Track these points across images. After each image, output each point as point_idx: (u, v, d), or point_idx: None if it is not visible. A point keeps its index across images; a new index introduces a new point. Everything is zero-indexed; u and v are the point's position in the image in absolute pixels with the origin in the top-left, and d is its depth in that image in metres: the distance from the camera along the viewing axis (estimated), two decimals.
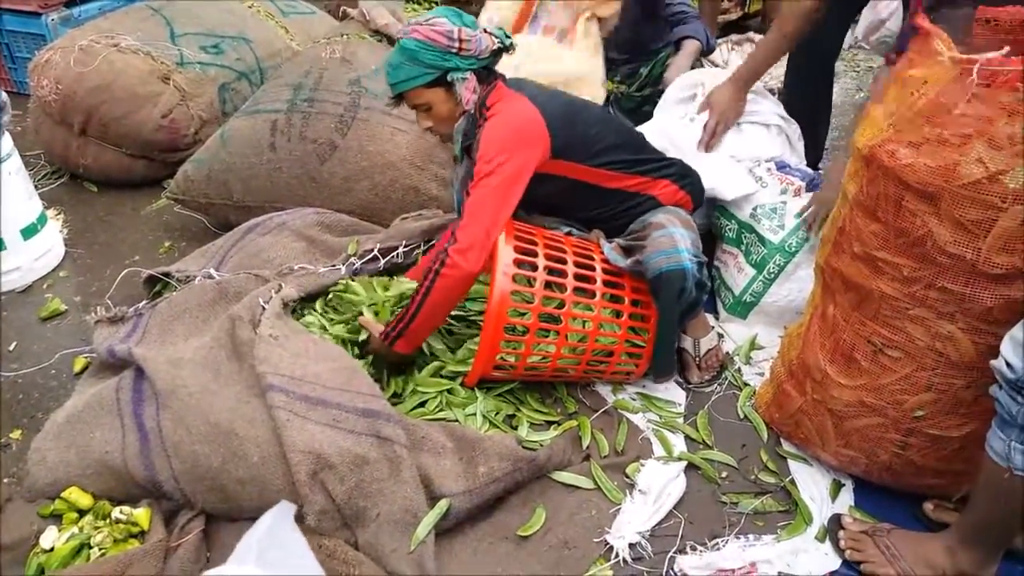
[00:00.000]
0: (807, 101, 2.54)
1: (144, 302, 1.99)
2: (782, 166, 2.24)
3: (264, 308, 1.73)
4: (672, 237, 1.73)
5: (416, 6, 2.95)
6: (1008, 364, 1.17)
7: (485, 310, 1.65)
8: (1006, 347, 1.18)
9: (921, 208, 1.28)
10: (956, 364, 1.36)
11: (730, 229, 2.18)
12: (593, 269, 1.76)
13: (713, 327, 2.01)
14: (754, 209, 2.11)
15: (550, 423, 1.77)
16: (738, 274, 2.14)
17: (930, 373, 1.39)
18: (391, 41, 2.49)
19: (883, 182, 1.34)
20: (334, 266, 1.96)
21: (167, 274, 2.05)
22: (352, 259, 1.98)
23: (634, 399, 1.88)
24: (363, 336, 1.78)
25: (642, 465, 1.68)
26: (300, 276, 1.91)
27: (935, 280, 1.30)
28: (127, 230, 2.67)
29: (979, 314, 1.29)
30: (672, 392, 1.93)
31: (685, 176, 1.96)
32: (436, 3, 3.01)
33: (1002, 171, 1.18)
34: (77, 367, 2.00)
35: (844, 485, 1.66)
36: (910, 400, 1.44)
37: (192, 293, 1.88)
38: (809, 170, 2.22)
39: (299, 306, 1.89)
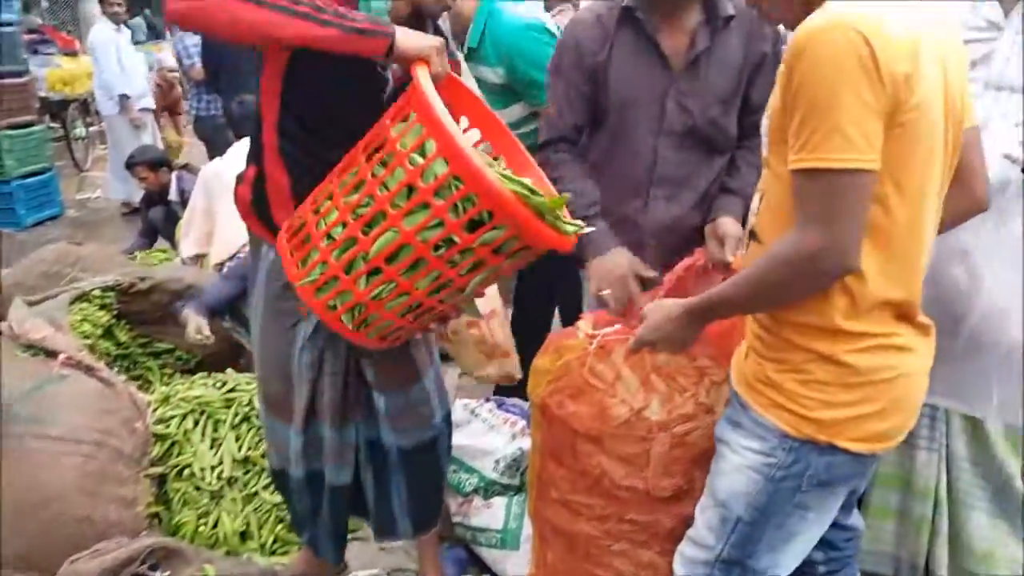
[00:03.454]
0: None
1: None
2: (501, 403, 2.34)
3: None
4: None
5: (85, 304, 2.73)
6: None
7: None
8: (676, 563, 1.28)
9: (592, 450, 1.41)
10: None
11: (471, 483, 2.13)
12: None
13: None
14: (496, 463, 2.11)
15: None
16: (493, 511, 2.06)
17: None
18: (50, 354, 2.23)
19: (558, 430, 1.46)
20: None
21: None
22: None
23: None
24: None
25: None
26: None
27: (623, 513, 1.41)
28: None
29: (666, 536, 1.40)
30: None
31: None
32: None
33: (643, 407, 1.36)
34: None
35: None
36: None
37: None
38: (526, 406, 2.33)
39: None
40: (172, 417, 2.44)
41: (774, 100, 1.06)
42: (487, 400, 2.36)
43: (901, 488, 1.64)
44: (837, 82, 0.93)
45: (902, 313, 1.08)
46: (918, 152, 1.00)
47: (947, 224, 1.19)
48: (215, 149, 5.12)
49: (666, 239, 1.64)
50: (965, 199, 1.19)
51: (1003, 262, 1.45)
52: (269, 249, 1.58)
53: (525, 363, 2.57)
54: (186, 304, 2.67)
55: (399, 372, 1.69)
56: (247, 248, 3.02)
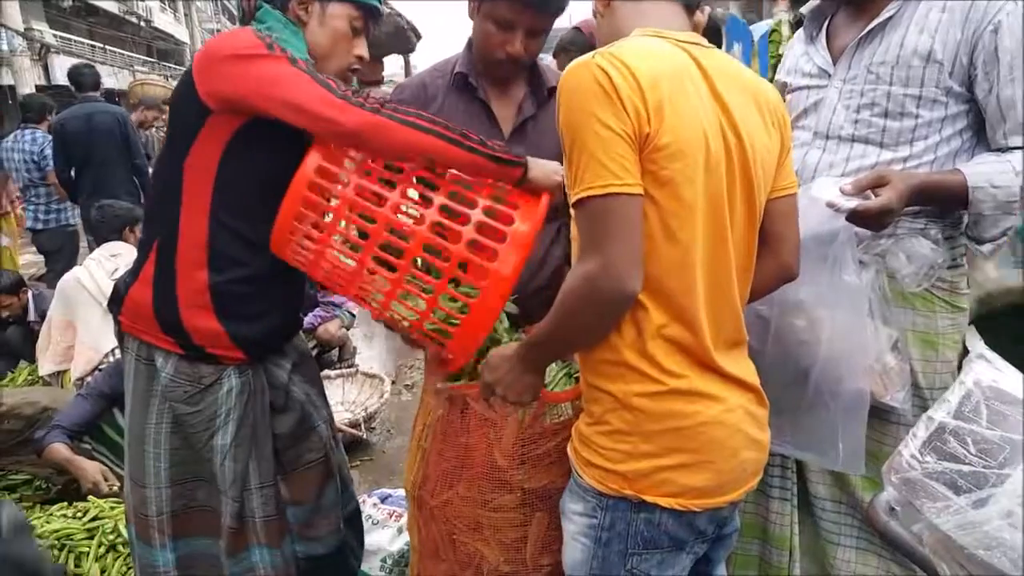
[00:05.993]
0: None
1: None
2: (385, 497, 2.28)
3: None
4: None
5: None
6: None
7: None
8: None
9: (472, 537, 1.36)
10: None
11: None
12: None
13: None
14: (383, 561, 2.03)
15: None
16: None
17: None
18: None
19: (434, 523, 1.41)
20: None
21: None
22: None
23: None
24: None
25: None
26: None
27: None
28: None
29: None
30: None
31: None
32: None
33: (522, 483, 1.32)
34: None
35: None
36: None
37: None
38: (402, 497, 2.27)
39: None
40: None
41: None
42: (369, 495, 2.29)
43: (760, 537, 1.63)
44: (583, 110, 0.97)
45: (694, 357, 1.05)
46: (682, 196, 1.00)
47: (757, 292, 1.18)
48: (60, 260, 4.80)
49: None
50: (773, 266, 1.18)
51: (840, 310, 1.49)
52: (167, 360, 1.39)
53: None
54: (47, 434, 2.38)
55: (311, 482, 1.55)
56: (108, 360, 2.81)
